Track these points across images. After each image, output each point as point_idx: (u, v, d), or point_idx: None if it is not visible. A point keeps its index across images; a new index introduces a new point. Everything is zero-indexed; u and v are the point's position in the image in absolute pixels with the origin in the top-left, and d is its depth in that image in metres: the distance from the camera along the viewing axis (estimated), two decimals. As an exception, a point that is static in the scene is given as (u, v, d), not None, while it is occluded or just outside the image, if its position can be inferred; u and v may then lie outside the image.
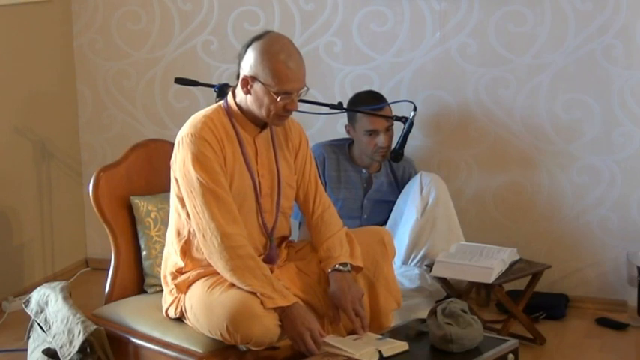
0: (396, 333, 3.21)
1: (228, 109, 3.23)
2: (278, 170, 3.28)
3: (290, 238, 3.45)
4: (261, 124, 3.25)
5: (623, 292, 4.37)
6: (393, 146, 4.20)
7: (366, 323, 3.20)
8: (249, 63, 3.13)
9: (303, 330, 3.03)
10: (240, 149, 3.20)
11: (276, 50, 3.11)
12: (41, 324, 3.46)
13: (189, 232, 3.21)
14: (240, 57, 3.18)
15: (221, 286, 3.12)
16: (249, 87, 3.14)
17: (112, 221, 3.51)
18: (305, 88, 3.17)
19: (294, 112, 3.23)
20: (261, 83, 3.11)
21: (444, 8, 4.46)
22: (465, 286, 4.17)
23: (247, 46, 3.17)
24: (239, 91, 3.20)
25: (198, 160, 3.11)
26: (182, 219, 3.22)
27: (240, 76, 3.17)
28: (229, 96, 3.25)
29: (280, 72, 3.09)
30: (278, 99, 3.11)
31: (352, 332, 3.18)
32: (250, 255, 3.10)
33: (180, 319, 3.27)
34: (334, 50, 4.65)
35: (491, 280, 3.93)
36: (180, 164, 3.15)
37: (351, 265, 3.26)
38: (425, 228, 4.14)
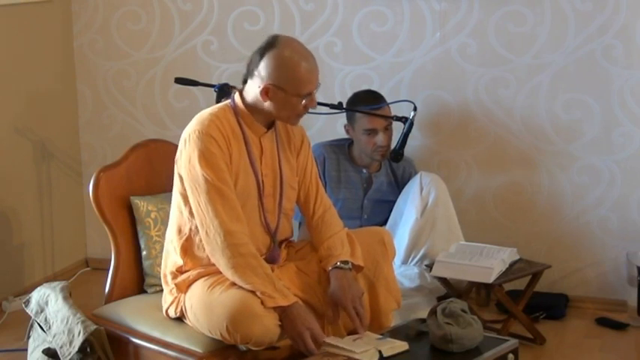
0: (396, 333, 3.21)
1: (235, 108, 3.24)
2: (281, 171, 3.29)
3: (290, 239, 3.45)
4: (267, 124, 3.26)
5: (623, 292, 4.37)
6: (393, 146, 4.21)
7: (366, 322, 3.19)
8: (267, 72, 3.14)
9: (303, 330, 3.03)
10: (245, 148, 3.21)
11: (293, 56, 3.14)
12: (41, 324, 3.46)
13: (190, 229, 3.21)
14: (254, 64, 3.17)
15: (221, 286, 3.12)
16: (269, 94, 3.15)
17: (112, 221, 3.51)
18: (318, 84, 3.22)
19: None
20: (284, 90, 3.13)
21: (444, 8, 4.46)
22: (465, 286, 4.17)
23: (261, 54, 3.16)
24: (250, 92, 3.20)
25: (205, 157, 3.11)
26: (184, 216, 3.22)
27: (259, 85, 3.15)
28: (236, 96, 3.25)
29: (302, 77, 3.13)
30: (303, 102, 3.15)
31: (352, 332, 3.18)
32: (252, 253, 3.11)
33: (180, 319, 3.27)
34: (334, 50, 4.65)
35: (491, 280, 3.93)
36: (186, 161, 3.15)
37: (351, 264, 3.26)
38: (425, 228, 4.14)
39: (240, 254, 3.08)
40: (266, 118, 3.24)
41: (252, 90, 3.19)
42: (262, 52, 3.17)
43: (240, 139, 3.21)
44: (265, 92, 3.15)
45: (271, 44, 3.17)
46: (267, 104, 3.17)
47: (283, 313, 3.05)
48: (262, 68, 3.15)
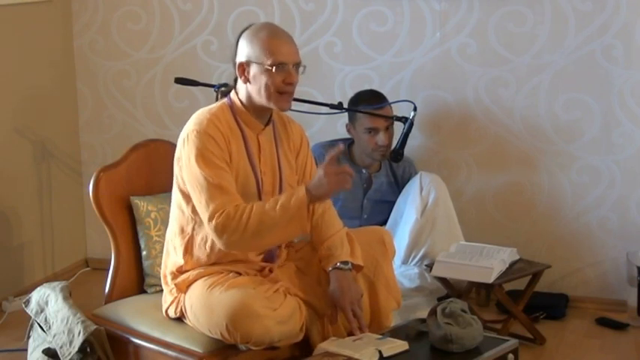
0: (396, 333, 3.21)
1: (232, 106, 3.24)
2: (280, 168, 3.29)
3: (290, 239, 3.46)
4: (264, 121, 3.26)
5: (623, 292, 4.38)
6: (393, 146, 4.21)
7: (364, 324, 3.19)
8: (240, 52, 3.19)
9: (333, 186, 3.10)
10: (244, 146, 3.21)
11: (261, 29, 3.19)
12: (41, 324, 3.46)
13: (192, 228, 3.21)
14: (233, 55, 3.23)
15: (221, 286, 3.12)
16: (245, 73, 3.17)
17: (112, 221, 3.51)
18: (302, 66, 3.19)
19: (294, 113, 3.24)
20: (256, 63, 3.15)
21: (444, 8, 4.46)
22: (465, 286, 4.17)
23: (236, 42, 3.23)
24: (240, 85, 3.22)
25: (204, 156, 3.11)
26: (186, 215, 3.22)
27: (236, 68, 3.21)
28: (233, 94, 3.27)
29: (270, 44, 3.14)
30: (274, 70, 3.12)
31: (352, 333, 3.18)
32: (251, 208, 3.07)
33: (180, 319, 3.27)
34: (334, 50, 4.65)
35: (491, 280, 3.93)
36: (186, 160, 3.15)
37: (351, 264, 3.26)
38: (425, 228, 4.14)
39: (246, 218, 3.05)
40: (261, 113, 3.24)
41: (240, 83, 3.22)
42: (237, 39, 3.23)
43: (238, 137, 3.21)
44: (242, 71, 3.18)
45: (243, 30, 3.23)
46: (249, 88, 3.18)
47: (311, 195, 3.08)
48: (238, 52, 3.20)
